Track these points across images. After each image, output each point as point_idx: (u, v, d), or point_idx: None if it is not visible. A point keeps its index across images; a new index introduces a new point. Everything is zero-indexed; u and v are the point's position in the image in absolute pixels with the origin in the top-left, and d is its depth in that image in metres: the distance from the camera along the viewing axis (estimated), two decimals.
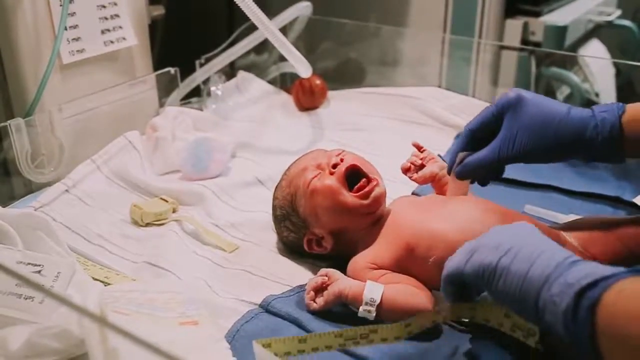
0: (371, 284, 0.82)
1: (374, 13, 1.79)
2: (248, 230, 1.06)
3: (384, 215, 0.93)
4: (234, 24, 1.67)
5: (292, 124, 1.47)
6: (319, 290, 0.85)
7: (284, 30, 1.47)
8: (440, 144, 1.30)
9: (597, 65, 1.83)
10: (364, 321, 0.80)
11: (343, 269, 0.90)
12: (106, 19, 1.24)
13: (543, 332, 0.70)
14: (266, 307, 0.85)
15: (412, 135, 1.30)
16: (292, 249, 0.99)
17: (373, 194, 0.91)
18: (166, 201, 1.11)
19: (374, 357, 0.75)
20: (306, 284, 0.87)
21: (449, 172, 0.93)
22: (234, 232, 1.05)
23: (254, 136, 1.39)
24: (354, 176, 0.92)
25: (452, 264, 0.72)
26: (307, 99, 1.52)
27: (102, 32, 1.24)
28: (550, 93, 1.75)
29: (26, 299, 0.78)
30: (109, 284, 0.90)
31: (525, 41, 1.71)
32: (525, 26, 1.71)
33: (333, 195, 0.90)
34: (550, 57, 1.73)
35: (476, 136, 0.89)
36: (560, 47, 1.73)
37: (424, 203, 0.95)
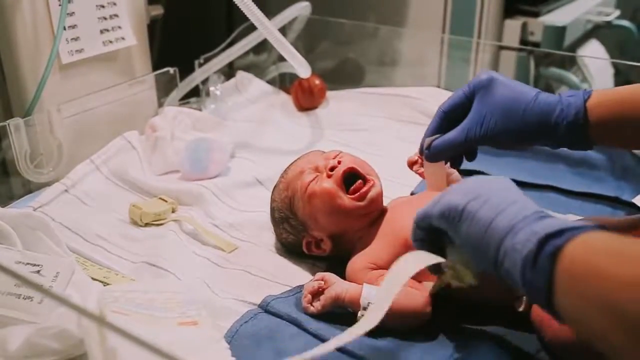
0: (368, 288, 0.81)
1: (373, 13, 1.79)
2: (247, 230, 1.05)
3: (382, 215, 0.93)
4: (233, 24, 1.67)
5: (291, 124, 1.47)
6: (316, 294, 0.85)
7: (283, 30, 1.47)
8: None
9: (596, 66, 1.83)
10: None
11: (342, 268, 0.90)
12: (105, 18, 1.24)
13: None
14: (265, 308, 0.85)
15: (411, 135, 1.30)
16: (291, 250, 0.99)
17: (369, 195, 0.91)
18: (165, 201, 1.11)
19: (372, 357, 0.75)
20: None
21: (420, 155, 0.92)
22: (233, 232, 1.05)
23: (253, 136, 1.39)
24: (351, 177, 0.92)
25: (422, 208, 0.70)
26: (307, 99, 1.52)
27: (101, 32, 1.23)
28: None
29: (25, 299, 0.78)
30: (108, 284, 0.90)
31: (524, 41, 1.71)
32: (524, 26, 1.70)
33: (331, 199, 0.90)
34: (549, 57, 1.73)
35: (450, 117, 0.89)
36: (559, 47, 1.73)
37: (420, 200, 0.95)
